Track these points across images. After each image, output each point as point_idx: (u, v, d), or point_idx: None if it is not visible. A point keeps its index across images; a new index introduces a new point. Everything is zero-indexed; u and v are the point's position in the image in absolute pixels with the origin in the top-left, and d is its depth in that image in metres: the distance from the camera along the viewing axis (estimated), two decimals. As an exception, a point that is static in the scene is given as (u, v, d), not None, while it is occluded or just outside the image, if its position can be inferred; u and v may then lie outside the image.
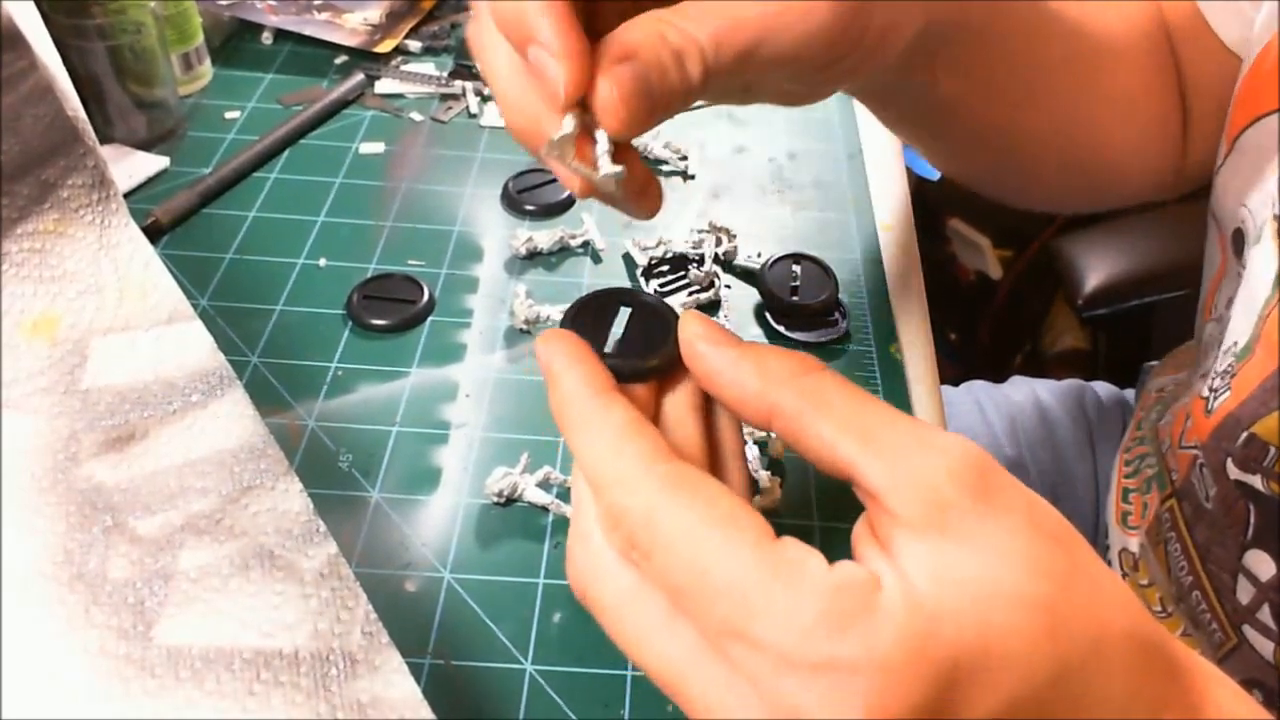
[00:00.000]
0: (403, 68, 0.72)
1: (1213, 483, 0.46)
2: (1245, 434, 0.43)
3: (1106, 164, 0.52)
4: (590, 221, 0.59)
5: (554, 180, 0.62)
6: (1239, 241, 0.47)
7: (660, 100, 0.30)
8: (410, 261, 0.57)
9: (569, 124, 0.29)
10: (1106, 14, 0.49)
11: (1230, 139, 0.47)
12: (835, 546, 0.25)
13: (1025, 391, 0.74)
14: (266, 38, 0.73)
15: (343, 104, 0.68)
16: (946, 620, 0.23)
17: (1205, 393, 0.47)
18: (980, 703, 0.23)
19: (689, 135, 0.67)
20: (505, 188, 0.62)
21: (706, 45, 0.30)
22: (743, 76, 0.32)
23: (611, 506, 0.26)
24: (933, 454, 0.25)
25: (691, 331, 0.29)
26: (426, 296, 0.54)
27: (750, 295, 0.57)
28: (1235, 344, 0.45)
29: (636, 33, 0.29)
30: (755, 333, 0.55)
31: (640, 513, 0.25)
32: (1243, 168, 0.46)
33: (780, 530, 0.25)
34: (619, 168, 0.30)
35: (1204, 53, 0.50)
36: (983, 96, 0.44)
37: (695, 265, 0.56)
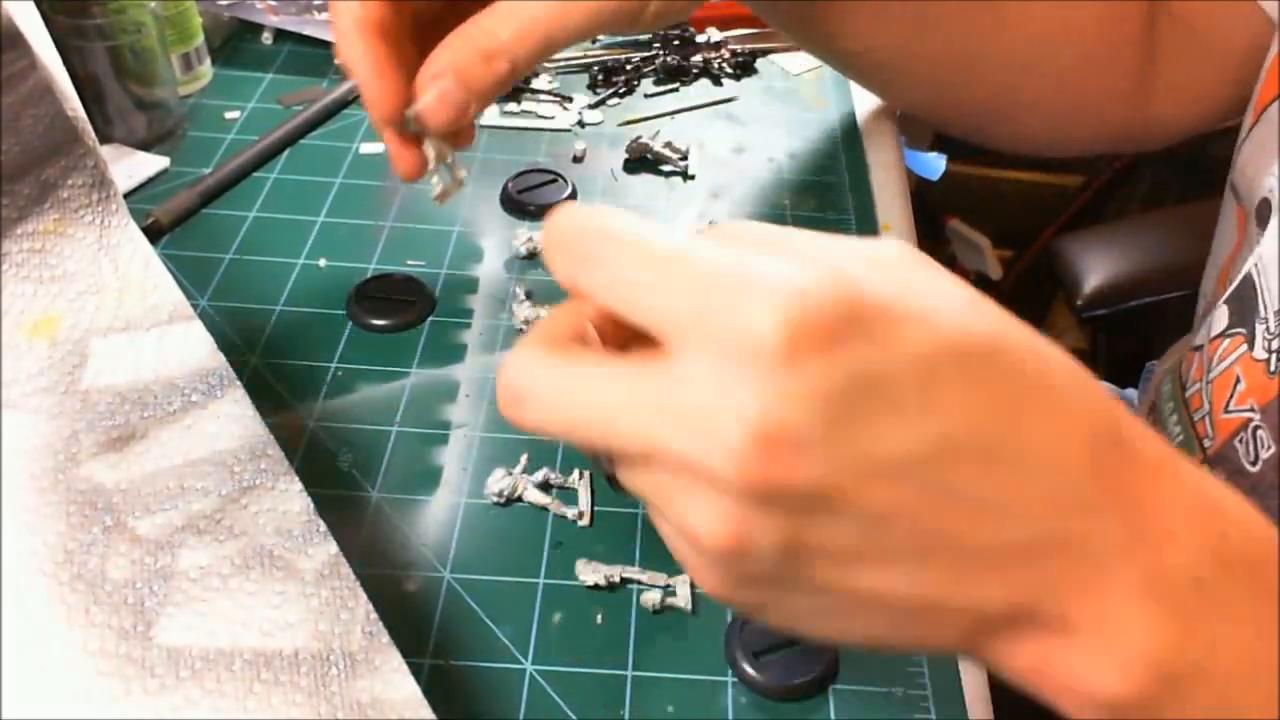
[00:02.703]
0: (403, 68, 0.72)
1: (1271, 443, 0.45)
2: None
3: (1060, 102, 0.53)
4: (590, 221, 0.59)
5: (554, 180, 0.62)
6: (1264, 213, 0.47)
7: (476, 94, 0.39)
8: (410, 261, 0.57)
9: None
10: None
11: (1257, 110, 0.47)
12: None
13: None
14: (266, 38, 0.73)
15: (343, 104, 0.68)
16: (864, 278, 0.23)
17: (1261, 354, 0.47)
18: (905, 339, 0.23)
19: (689, 135, 0.67)
20: (505, 188, 0.62)
21: (509, 43, 0.39)
22: (556, 51, 0.41)
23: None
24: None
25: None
26: (426, 296, 0.54)
27: (750, 295, 0.57)
28: None
29: (451, 45, 0.39)
30: (755, 333, 0.55)
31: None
32: (1271, 140, 0.46)
33: None
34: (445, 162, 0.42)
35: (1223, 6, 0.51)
36: (897, 33, 0.45)
37: (695, 265, 0.56)
